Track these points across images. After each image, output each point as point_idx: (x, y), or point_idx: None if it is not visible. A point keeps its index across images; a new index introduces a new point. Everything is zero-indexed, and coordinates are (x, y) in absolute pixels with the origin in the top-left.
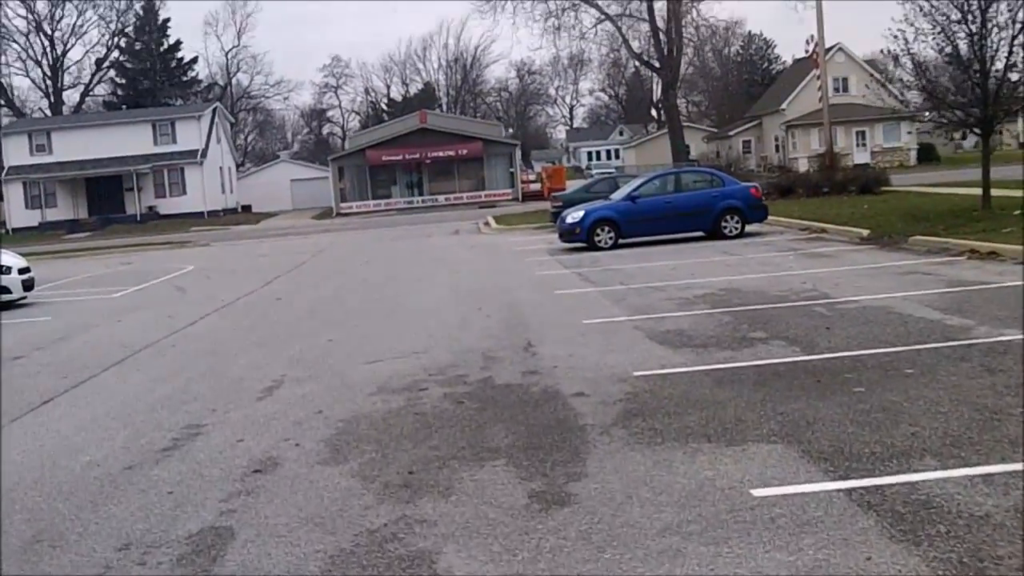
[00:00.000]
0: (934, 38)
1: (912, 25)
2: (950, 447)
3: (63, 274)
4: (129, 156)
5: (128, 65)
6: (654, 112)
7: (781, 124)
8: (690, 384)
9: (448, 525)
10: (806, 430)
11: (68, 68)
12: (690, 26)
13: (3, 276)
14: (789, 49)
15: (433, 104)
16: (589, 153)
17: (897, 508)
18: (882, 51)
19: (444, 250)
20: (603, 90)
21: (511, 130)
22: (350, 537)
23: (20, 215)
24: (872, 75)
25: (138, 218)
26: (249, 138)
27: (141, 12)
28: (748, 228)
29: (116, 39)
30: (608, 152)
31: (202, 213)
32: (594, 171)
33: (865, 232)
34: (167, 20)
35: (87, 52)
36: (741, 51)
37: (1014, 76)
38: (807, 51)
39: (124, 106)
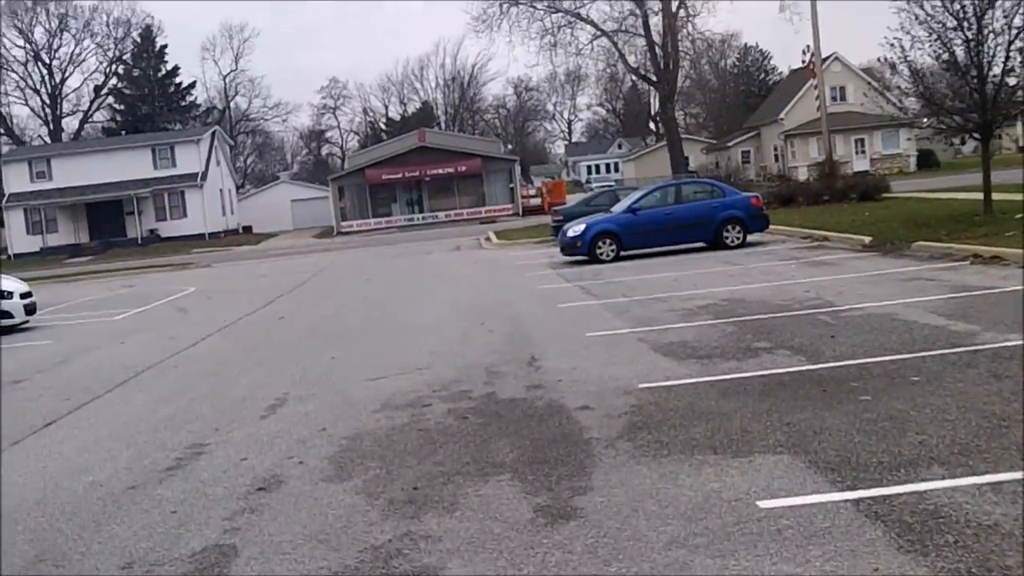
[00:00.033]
0: (931, 45)
1: (908, 33)
2: (958, 455)
3: (65, 298)
4: (129, 181)
5: (126, 91)
6: (652, 125)
7: (780, 134)
8: (695, 396)
9: (453, 541)
10: (812, 440)
11: (67, 96)
12: (686, 40)
13: (5, 301)
14: (785, 60)
15: (431, 122)
16: (588, 167)
17: (905, 518)
18: (879, 59)
19: (445, 266)
20: (601, 104)
21: (510, 146)
22: (354, 554)
23: (21, 241)
24: (870, 83)
25: (139, 241)
26: (249, 160)
27: (139, 39)
28: (750, 238)
29: (114, 66)
30: (607, 166)
31: (203, 235)
32: (594, 185)
33: (867, 239)
34: (164, 46)
35: (85, 79)
36: (737, 63)
37: (1012, 80)
38: (804, 61)
39: (123, 132)
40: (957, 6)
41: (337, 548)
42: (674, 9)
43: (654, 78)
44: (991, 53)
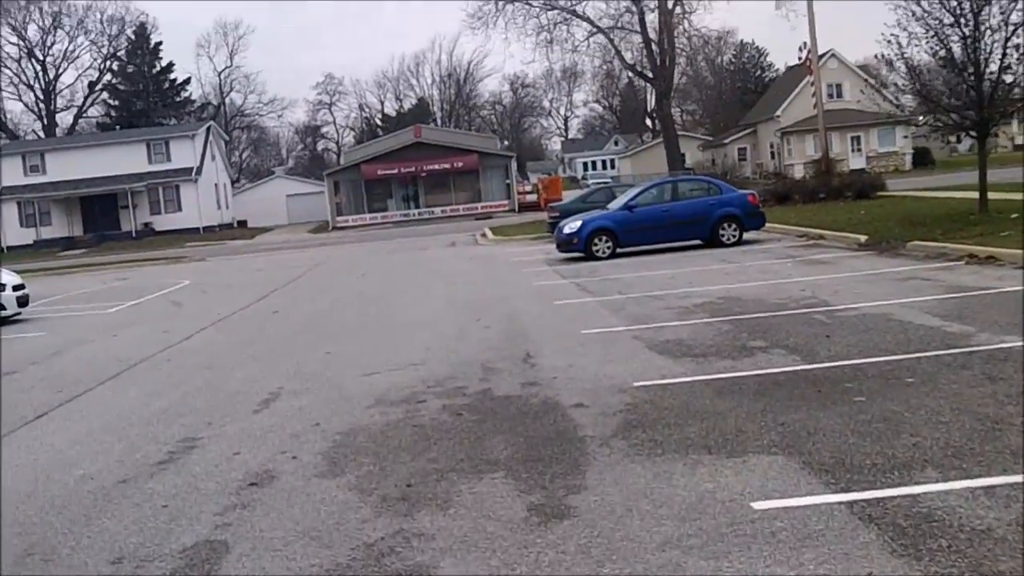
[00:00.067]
0: (928, 42)
1: (905, 30)
2: (952, 458)
3: (58, 290)
4: (124, 175)
5: (121, 87)
6: (649, 122)
7: (776, 131)
8: (690, 394)
9: (446, 539)
10: (807, 441)
11: (61, 91)
12: (682, 36)
13: None
14: (782, 57)
15: (427, 119)
16: (585, 163)
17: (899, 521)
18: (876, 56)
19: (441, 262)
20: (597, 101)
21: (506, 142)
22: (347, 551)
23: (15, 233)
24: (866, 80)
25: (134, 234)
26: (244, 155)
27: (133, 36)
28: (746, 235)
29: (108, 62)
30: (604, 162)
31: (198, 229)
32: (590, 181)
33: (863, 238)
34: (159, 43)
35: (80, 76)
36: (734, 60)
37: (1008, 78)
38: (800, 58)
39: (118, 127)
40: (954, 2)
41: (329, 545)
42: (670, 6)
43: (650, 75)
44: (988, 50)
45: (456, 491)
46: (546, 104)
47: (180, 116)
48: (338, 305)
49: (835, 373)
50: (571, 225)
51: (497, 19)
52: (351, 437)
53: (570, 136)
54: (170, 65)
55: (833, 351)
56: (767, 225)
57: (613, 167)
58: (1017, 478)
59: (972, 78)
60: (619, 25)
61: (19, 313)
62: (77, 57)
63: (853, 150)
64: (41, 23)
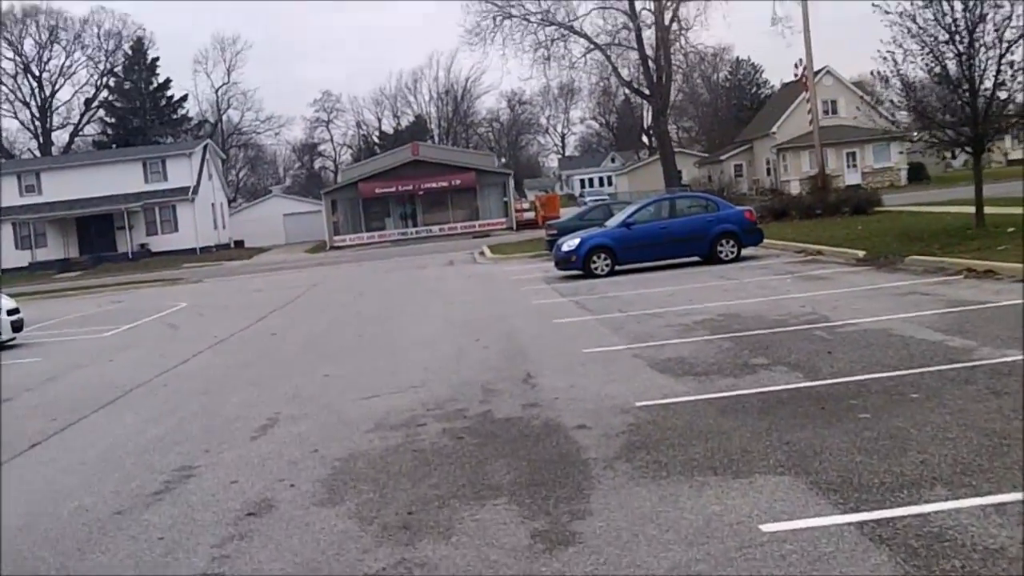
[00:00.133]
0: (923, 58)
1: (901, 46)
2: (960, 475)
3: (53, 314)
4: (120, 195)
5: (117, 104)
6: (645, 139)
7: (772, 147)
8: (693, 414)
9: (449, 568)
10: (813, 460)
11: (57, 109)
12: (678, 53)
13: None
14: (777, 73)
15: (425, 136)
16: (582, 180)
17: (910, 542)
18: (872, 72)
19: (439, 281)
20: (594, 118)
21: (503, 160)
22: None
23: (10, 256)
24: (862, 97)
25: (130, 256)
26: (241, 174)
27: (130, 52)
28: (744, 252)
29: (105, 79)
30: (601, 179)
31: (194, 249)
32: (587, 199)
33: (861, 253)
34: (156, 59)
35: (76, 92)
36: (730, 76)
37: (1003, 94)
38: (796, 75)
39: (114, 145)
40: (949, 19)
41: None
42: (667, 22)
43: (647, 91)
44: (982, 66)
45: (458, 518)
46: (543, 121)
47: (177, 134)
48: (336, 326)
49: (838, 390)
50: (569, 243)
51: (495, 35)
52: (350, 463)
53: (567, 153)
54: (167, 81)
55: (835, 367)
56: (765, 241)
57: (610, 184)
58: None
59: (967, 94)
60: (616, 42)
61: (14, 338)
62: (74, 73)
63: (849, 166)
64: (38, 37)
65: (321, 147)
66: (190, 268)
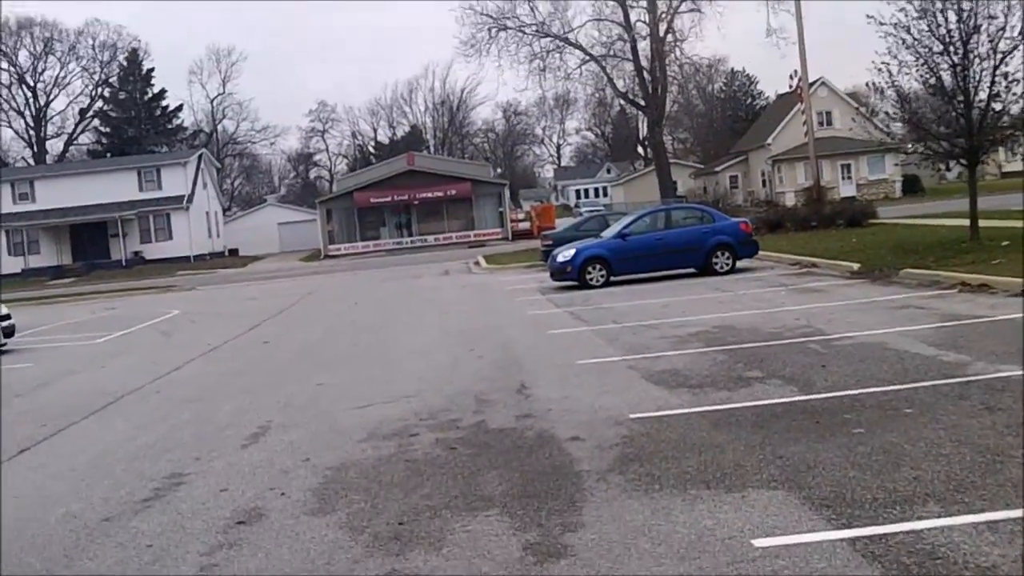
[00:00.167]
0: (918, 70)
1: (896, 58)
2: (953, 492)
3: (46, 320)
4: (114, 203)
5: (112, 114)
6: (640, 149)
7: (767, 159)
8: (687, 427)
9: None
10: (807, 475)
11: (51, 118)
12: (674, 64)
13: None
14: (772, 84)
15: (420, 146)
16: (577, 191)
17: (902, 559)
18: (867, 84)
19: (434, 291)
20: (589, 129)
21: (499, 170)
22: None
23: (3, 262)
24: (857, 108)
25: (123, 263)
26: (236, 183)
27: (125, 63)
28: (739, 264)
29: (100, 89)
30: (596, 190)
31: (188, 257)
32: (582, 209)
33: (855, 266)
34: (151, 70)
35: (71, 102)
36: (725, 87)
37: (997, 106)
38: (791, 86)
39: (109, 154)
40: (943, 30)
41: None
42: (662, 34)
43: (642, 102)
44: (977, 78)
45: (450, 529)
46: (539, 132)
47: (172, 143)
48: (330, 335)
49: (832, 404)
50: (565, 253)
51: (490, 47)
52: (342, 472)
53: (562, 164)
54: (162, 92)
55: (830, 381)
56: (760, 253)
57: (605, 195)
58: (1020, 512)
59: (962, 106)
60: (611, 53)
61: (5, 344)
62: (68, 83)
63: (843, 178)
64: (32, 48)
65: (316, 157)
66: (184, 276)
